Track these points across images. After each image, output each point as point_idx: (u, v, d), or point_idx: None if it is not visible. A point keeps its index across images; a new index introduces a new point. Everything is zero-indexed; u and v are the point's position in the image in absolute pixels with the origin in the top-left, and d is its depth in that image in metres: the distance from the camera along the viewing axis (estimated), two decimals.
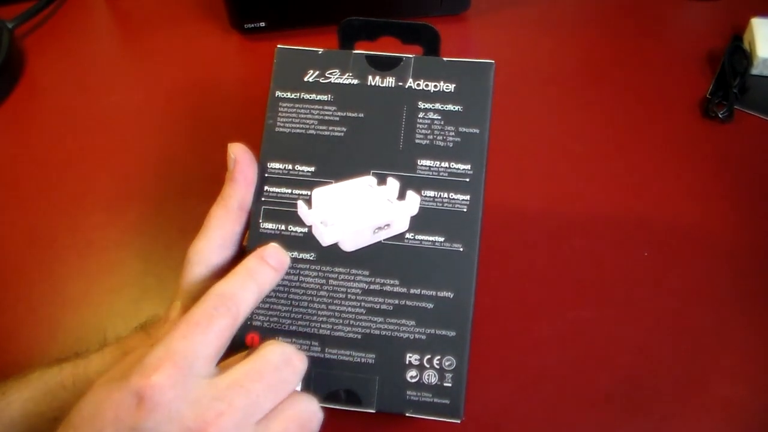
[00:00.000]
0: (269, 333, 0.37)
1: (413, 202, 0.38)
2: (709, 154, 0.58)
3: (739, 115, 0.60)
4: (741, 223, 0.53)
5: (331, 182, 0.38)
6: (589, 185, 0.56)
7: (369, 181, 0.38)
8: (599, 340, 0.48)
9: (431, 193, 0.38)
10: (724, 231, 0.53)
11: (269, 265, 0.35)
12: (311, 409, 0.32)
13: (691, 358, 0.47)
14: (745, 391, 0.46)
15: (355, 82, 0.39)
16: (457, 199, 0.38)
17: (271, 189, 0.39)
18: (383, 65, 0.40)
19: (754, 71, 0.62)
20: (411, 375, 0.36)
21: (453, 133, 0.38)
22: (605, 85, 0.64)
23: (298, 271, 0.38)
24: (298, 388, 0.33)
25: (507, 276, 0.51)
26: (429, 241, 0.37)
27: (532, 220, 0.54)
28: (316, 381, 0.36)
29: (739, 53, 0.63)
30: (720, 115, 0.59)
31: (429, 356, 0.36)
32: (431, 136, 0.38)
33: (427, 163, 0.38)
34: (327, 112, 0.39)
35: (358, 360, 0.37)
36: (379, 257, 0.37)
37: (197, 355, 0.30)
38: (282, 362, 0.32)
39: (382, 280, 0.37)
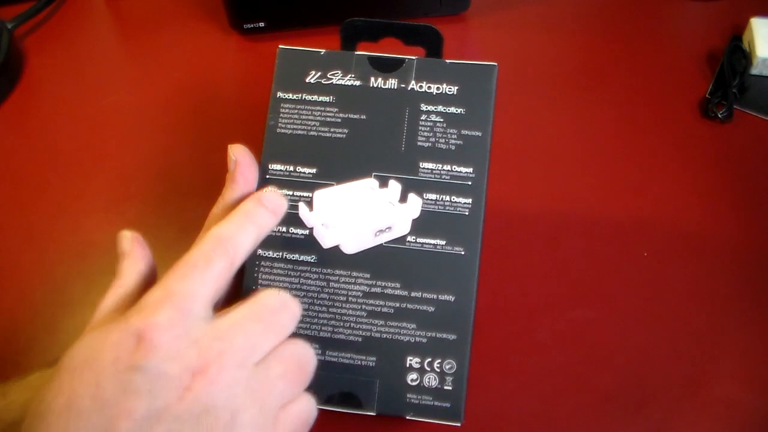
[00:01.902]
0: None
1: (415, 204, 0.38)
2: (709, 154, 0.58)
3: (739, 115, 0.60)
4: (741, 223, 0.53)
5: (333, 184, 0.38)
6: (589, 185, 0.56)
7: (370, 183, 0.38)
8: (599, 341, 0.48)
9: (433, 196, 0.38)
10: (723, 231, 0.53)
11: (266, 208, 0.35)
12: (308, 352, 0.32)
13: (691, 358, 0.47)
14: (745, 391, 0.46)
15: (357, 83, 0.39)
16: (459, 202, 0.38)
17: None
18: (386, 67, 0.39)
19: (754, 71, 0.62)
20: (412, 378, 0.36)
21: (455, 136, 0.38)
22: (605, 85, 0.64)
23: (299, 273, 0.38)
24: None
25: (507, 276, 0.51)
26: (430, 244, 0.37)
27: (532, 220, 0.54)
28: (316, 383, 0.36)
29: (739, 53, 0.63)
30: (719, 115, 0.59)
31: (430, 359, 0.36)
32: (433, 139, 0.38)
33: (429, 165, 0.38)
34: (329, 114, 0.39)
35: (359, 363, 0.37)
36: (381, 260, 0.37)
37: (196, 295, 0.30)
38: (279, 305, 0.32)
39: (383, 283, 0.37)
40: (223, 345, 0.30)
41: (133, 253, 0.34)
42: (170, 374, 0.28)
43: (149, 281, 0.34)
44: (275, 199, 0.36)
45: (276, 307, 0.32)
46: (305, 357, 0.32)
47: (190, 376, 0.28)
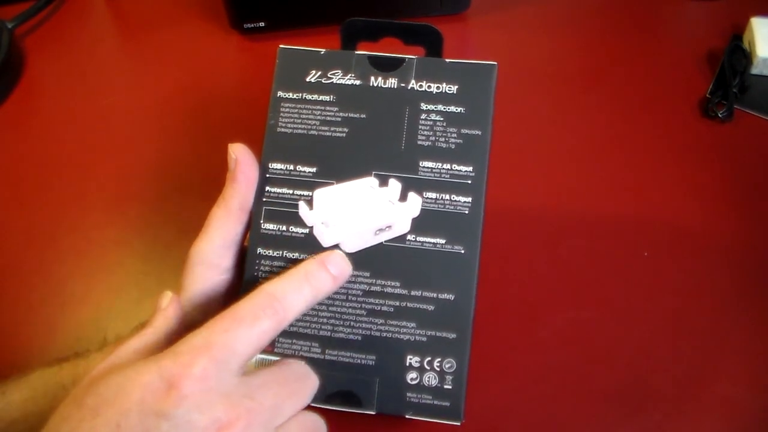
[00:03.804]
0: None
1: (415, 203, 0.38)
2: (709, 154, 0.58)
3: (739, 114, 0.60)
4: (741, 223, 0.53)
5: (333, 183, 0.38)
6: (590, 185, 0.56)
7: (370, 182, 0.38)
8: (599, 340, 0.48)
9: (433, 195, 0.38)
10: (724, 231, 0.53)
11: (329, 273, 0.34)
12: (322, 425, 0.33)
13: (691, 358, 0.47)
14: (745, 391, 0.46)
15: (358, 82, 0.39)
16: (459, 201, 0.38)
17: (273, 189, 0.39)
18: (386, 66, 0.39)
19: (754, 71, 0.62)
20: (411, 377, 0.36)
21: (455, 135, 0.38)
22: (605, 84, 0.64)
23: None
24: None
25: (507, 276, 0.51)
26: (430, 242, 0.37)
27: (532, 219, 0.54)
28: None
29: (739, 53, 0.63)
30: (720, 115, 0.59)
31: (429, 358, 0.36)
32: (433, 138, 0.38)
33: (429, 164, 0.38)
34: (329, 113, 0.39)
35: (359, 361, 0.37)
36: (380, 259, 0.37)
37: (235, 351, 0.30)
38: (304, 375, 0.33)
39: (383, 282, 0.37)
40: (252, 404, 0.29)
41: (169, 310, 0.34)
42: (197, 425, 0.28)
43: (175, 337, 0.34)
44: (341, 264, 0.35)
45: (301, 376, 0.32)
46: (319, 426, 0.32)
47: (215, 430, 0.28)
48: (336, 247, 0.38)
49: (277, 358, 0.37)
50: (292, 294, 0.33)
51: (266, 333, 0.31)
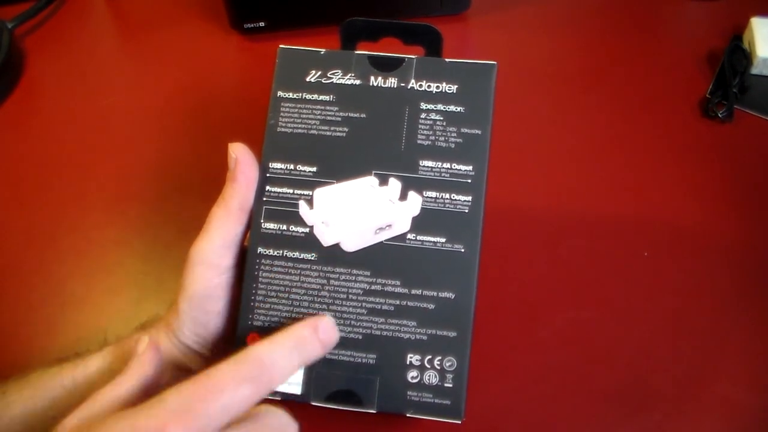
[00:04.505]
0: (270, 333, 0.37)
1: (415, 202, 0.38)
2: (709, 154, 0.58)
3: (739, 114, 0.60)
4: (741, 223, 0.53)
5: (333, 182, 0.38)
6: (590, 185, 0.56)
7: (371, 181, 0.38)
8: (599, 340, 0.48)
9: (433, 194, 0.38)
10: (724, 231, 0.53)
11: (320, 340, 0.34)
12: None
13: (691, 358, 0.47)
14: (745, 391, 0.46)
15: (358, 82, 0.39)
16: (459, 200, 0.38)
17: (273, 189, 0.39)
18: (385, 66, 0.39)
19: (754, 71, 0.62)
20: (412, 375, 0.36)
21: (455, 134, 0.38)
22: (605, 84, 0.64)
23: (299, 271, 0.38)
24: None
25: (507, 276, 0.51)
26: (430, 241, 0.37)
27: (532, 219, 0.54)
28: (316, 381, 0.36)
29: (739, 53, 0.63)
30: (720, 115, 0.59)
31: (430, 357, 0.36)
32: (433, 137, 0.38)
33: (429, 163, 0.38)
34: (329, 113, 0.39)
35: (359, 360, 0.37)
36: (381, 258, 0.37)
37: (212, 418, 0.29)
38: (284, 426, 0.31)
39: (384, 281, 0.37)
40: None
41: (145, 357, 0.33)
42: None
43: (151, 388, 0.33)
44: (331, 332, 0.35)
45: (281, 427, 0.31)
46: None
47: None
48: (336, 246, 0.38)
49: None
50: (282, 361, 0.31)
51: (248, 399, 0.30)
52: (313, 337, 0.33)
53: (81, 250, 0.55)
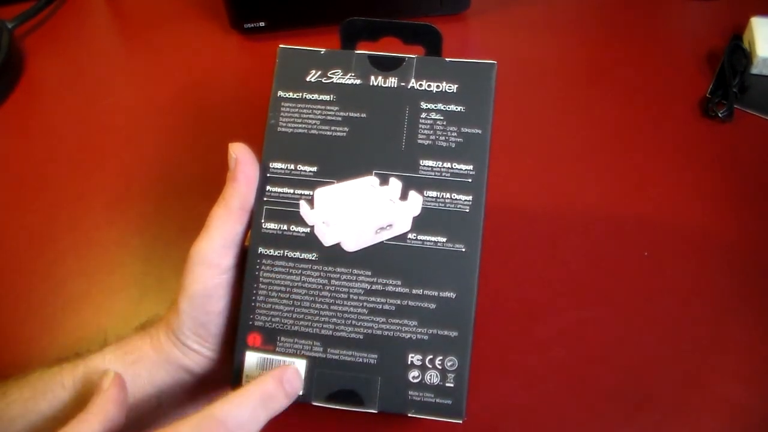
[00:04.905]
0: (271, 333, 0.37)
1: (415, 202, 0.38)
2: (709, 154, 0.58)
3: (739, 114, 0.60)
4: (741, 223, 0.53)
5: (334, 182, 0.38)
6: (590, 185, 0.56)
7: (371, 181, 0.38)
8: (599, 340, 0.48)
9: (433, 194, 0.38)
10: (724, 231, 0.53)
11: (285, 391, 0.33)
12: None
13: (691, 357, 0.47)
14: (745, 391, 0.46)
15: (358, 82, 0.39)
16: (460, 200, 0.38)
17: (273, 189, 0.39)
18: (386, 65, 0.39)
19: (754, 70, 0.63)
20: (413, 375, 0.36)
21: (455, 134, 0.38)
22: (605, 84, 0.64)
23: (300, 271, 0.38)
24: None
25: (508, 275, 0.51)
26: (431, 241, 0.37)
27: (532, 218, 0.54)
28: (318, 381, 0.36)
29: (739, 52, 0.63)
30: (720, 115, 0.59)
31: (431, 356, 0.36)
32: (433, 137, 0.38)
33: (430, 163, 0.38)
34: (329, 112, 0.39)
35: (360, 360, 0.37)
36: (382, 257, 0.37)
37: None
38: None
39: (385, 281, 0.37)
40: None
41: (108, 394, 0.33)
42: None
43: (113, 426, 0.32)
44: (295, 382, 0.34)
45: None
46: None
47: None
48: (337, 245, 0.38)
49: (279, 358, 0.37)
50: (248, 422, 0.31)
51: None
52: (278, 390, 0.33)
53: (81, 250, 0.55)
